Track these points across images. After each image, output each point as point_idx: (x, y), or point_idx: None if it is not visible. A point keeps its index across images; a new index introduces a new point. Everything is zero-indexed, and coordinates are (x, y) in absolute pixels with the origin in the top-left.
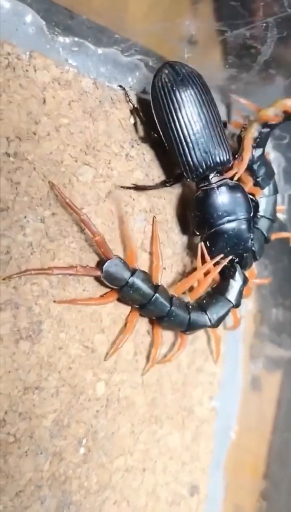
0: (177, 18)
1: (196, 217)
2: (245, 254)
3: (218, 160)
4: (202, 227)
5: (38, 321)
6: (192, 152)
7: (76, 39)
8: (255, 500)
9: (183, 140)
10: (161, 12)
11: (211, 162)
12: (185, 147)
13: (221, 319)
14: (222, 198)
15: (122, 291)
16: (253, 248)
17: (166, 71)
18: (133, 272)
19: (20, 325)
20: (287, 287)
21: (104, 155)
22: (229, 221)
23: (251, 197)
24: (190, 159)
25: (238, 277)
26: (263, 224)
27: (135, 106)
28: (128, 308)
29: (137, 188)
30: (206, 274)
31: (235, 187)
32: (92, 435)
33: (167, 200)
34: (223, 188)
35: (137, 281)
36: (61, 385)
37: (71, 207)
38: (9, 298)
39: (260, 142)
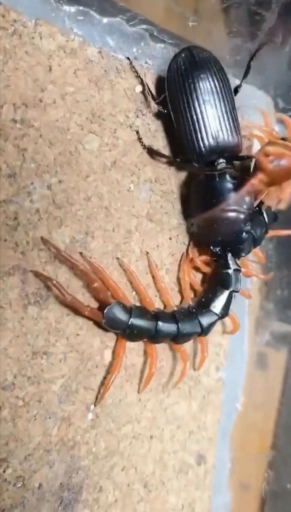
0: None
1: (193, 199)
2: (239, 245)
3: (226, 146)
4: (197, 210)
5: (46, 286)
6: (200, 136)
7: (81, 8)
8: (262, 471)
9: (193, 124)
10: None
11: (219, 147)
12: (195, 130)
13: (226, 307)
14: (221, 185)
15: (126, 334)
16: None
17: (183, 55)
18: (130, 312)
19: (28, 290)
20: None
21: (109, 124)
22: (222, 210)
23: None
24: (197, 143)
25: (230, 265)
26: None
27: (142, 78)
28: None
29: (151, 151)
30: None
31: (235, 178)
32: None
33: (172, 170)
34: (225, 176)
35: (136, 320)
36: (69, 351)
37: (68, 259)
38: (17, 264)
39: None
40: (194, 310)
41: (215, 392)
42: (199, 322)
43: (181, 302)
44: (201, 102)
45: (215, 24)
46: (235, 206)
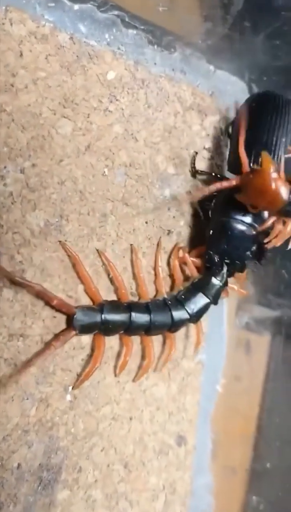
0: None
1: (219, 201)
2: (237, 261)
3: None
4: (218, 212)
5: (21, 269)
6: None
7: None
8: (245, 453)
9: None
10: None
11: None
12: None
13: (200, 313)
14: None
15: (103, 331)
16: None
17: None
18: (101, 308)
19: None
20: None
21: (83, 109)
22: (242, 222)
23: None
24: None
25: (220, 277)
26: None
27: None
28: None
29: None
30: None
31: None
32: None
33: (147, 155)
34: None
35: (110, 315)
36: (45, 333)
37: (24, 283)
38: None
39: None
40: (169, 303)
41: (194, 375)
42: (171, 316)
43: (171, 288)
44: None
45: (185, 9)
46: (256, 224)
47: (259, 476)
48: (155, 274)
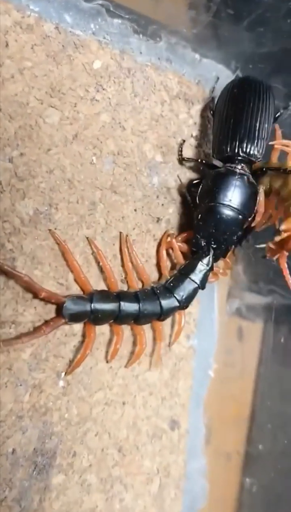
0: None
1: (206, 186)
2: (223, 246)
3: (247, 152)
4: (205, 197)
5: (11, 257)
6: (229, 134)
7: None
8: (238, 438)
9: (227, 122)
10: None
11: (241, 150)
12: (227, 127)
13: (188, 299)
14: (237, 184)
15: (93, 320)
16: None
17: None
18: (90, 298)
19: None
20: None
21: (69, 98)
22: (229, 206)
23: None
24: (224, 138)
25: (206, 261)
26: None
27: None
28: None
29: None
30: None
31: (252, 185)
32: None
33: (135, 143)
34: (243, 178)
35: (99, 305)
36: (37, 320)
37: (12, 273)
38: None
39: None
40: (158, 292)
41: (186, 360)
42: (160, 304)
43: (159, 278)
44: (241, 110)
45: None
46: (243, 209)
47: (252, 459)
48: (133, 266)
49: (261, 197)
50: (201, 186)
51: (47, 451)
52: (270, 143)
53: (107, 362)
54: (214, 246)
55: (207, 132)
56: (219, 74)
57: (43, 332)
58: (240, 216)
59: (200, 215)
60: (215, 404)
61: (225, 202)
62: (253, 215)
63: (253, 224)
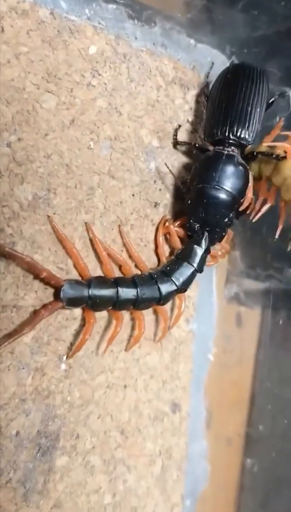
0: None
1: (194, 169)
2: (217, 229)
3: (238, 135)
4: (194, 179)
5: (11, 242)
6: (220, 118)
7: None
8: (239, 421)
9: (219, 107)
10: None
11: (232, 133)
12: (219, 112)
13: (186, 283)
14: (224, 165)
15: (90, 306)
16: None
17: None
18: (89, 284)
19: None
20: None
21: (66, 83)
22: (216, 187)
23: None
24: (215, 122)
25: (203, 244)
26: None
27: None
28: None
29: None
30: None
31: (242, 166)
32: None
33: (131, 128)
34: (231, 159)
35: (97, 291)
36: (38, 304)
37: (14, 255)
38: None
39: None
40: (155, 276)
41: (186, 343)
42: (159, 289)
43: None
44: (233, 94)
45: None
46: (232, 190)
47: (253, 441)
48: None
49: (250, 182)
50: (192, 173)
51: (51, 433)
52: (282, 133)
53: (107, 346)
54: (208, 229)
55: (202, 117)
56: (214, 59)
57: (42, 315)
58: (230, 198)
59: (190, 199)
60: (215, 388)
61: (212, 184)
62: (244, 196)
63: (241, 208)
